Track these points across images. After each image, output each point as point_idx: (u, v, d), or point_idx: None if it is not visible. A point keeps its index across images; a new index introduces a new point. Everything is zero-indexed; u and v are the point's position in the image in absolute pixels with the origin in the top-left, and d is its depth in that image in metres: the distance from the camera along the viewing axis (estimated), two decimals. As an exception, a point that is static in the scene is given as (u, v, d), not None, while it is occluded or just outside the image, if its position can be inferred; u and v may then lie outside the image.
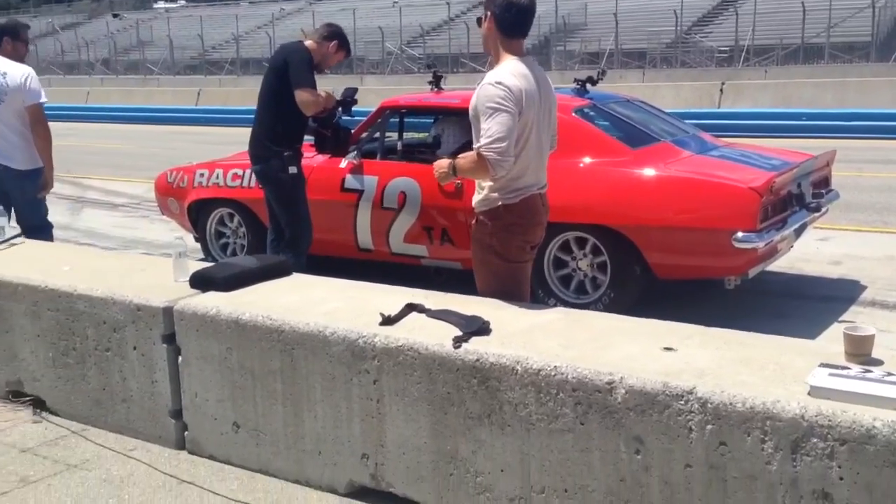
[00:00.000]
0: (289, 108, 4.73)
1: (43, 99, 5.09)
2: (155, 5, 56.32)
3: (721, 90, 16.90)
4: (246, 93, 25.43)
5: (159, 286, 3.42)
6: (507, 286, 3.32)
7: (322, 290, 3.37)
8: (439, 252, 5.30)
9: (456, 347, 2.70)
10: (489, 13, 3.28)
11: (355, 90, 5.20)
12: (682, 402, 2.32)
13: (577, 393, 2.48)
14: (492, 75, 3.21)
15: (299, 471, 3.04)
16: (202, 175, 6.12)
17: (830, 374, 2.25)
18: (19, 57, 5.16)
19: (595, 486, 2.49)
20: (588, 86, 5.62)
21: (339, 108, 5.08)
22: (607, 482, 2.46)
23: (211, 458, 3.22)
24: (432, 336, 2.78)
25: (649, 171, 4.88)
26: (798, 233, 5.11)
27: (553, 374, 2.52)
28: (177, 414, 3.29)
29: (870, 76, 18.49)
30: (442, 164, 3.35)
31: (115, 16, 48.84)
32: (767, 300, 5.27)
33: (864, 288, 5.48)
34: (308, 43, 4.90)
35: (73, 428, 3.47)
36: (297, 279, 3.55)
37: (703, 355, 2.54)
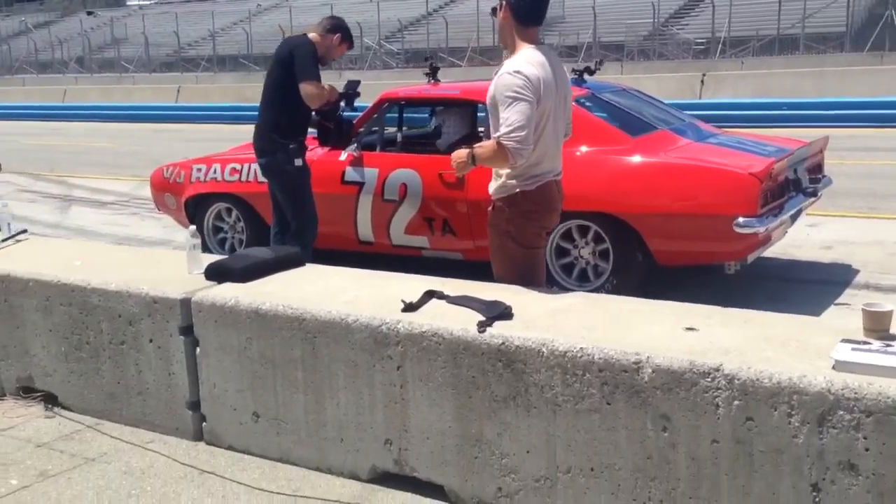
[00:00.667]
0: (293, 100, 4.76)
1: None
2: (129, 2, 55.76)
3: (702, 81, 17.07)
4: (226, 89, 25.31)
5: (174, 279, 3.42)
6: (523, 271, 3.36)
7: (340, 280, 3.39)
8: (440, 243, 5.32)
9: (481, 332, 2.73)
10: (503, 3, 3.30)
11: (358, 83, 5.21)
12: (709, 380, 2.36)
13: (603, 373, 2.52)
14: (509, 64, 3.24)
15: (321, 458, 3.06)
16: (199, 170, 6.10)
17: (853, 349, 2.31)
18: None
19: (622, 465, 2.53)
20: (585, 76, 5.66)
21: (342, 101, 5.11)
22: (634, 460, 2.51)
23: (230, 448, 3.23)
24: (455, 321, 2.81)
25: (650, 159, 4.94)
26: (794, 218, 5.18)
27: (579, 355, 2.55)
28: (195, 405, 3.30)
29: (845, 66, 18.73)
30: (461, 154, 3.37)
31: (88, 13, 48.33)
32: (764, 285, 5.35)
33: (856, 272, 5.58)
34: (312, 36, 4.93)
35: (87, 422, 3.47)
36: (313, 269, 3.56)
37: (725, 334, 2.59)
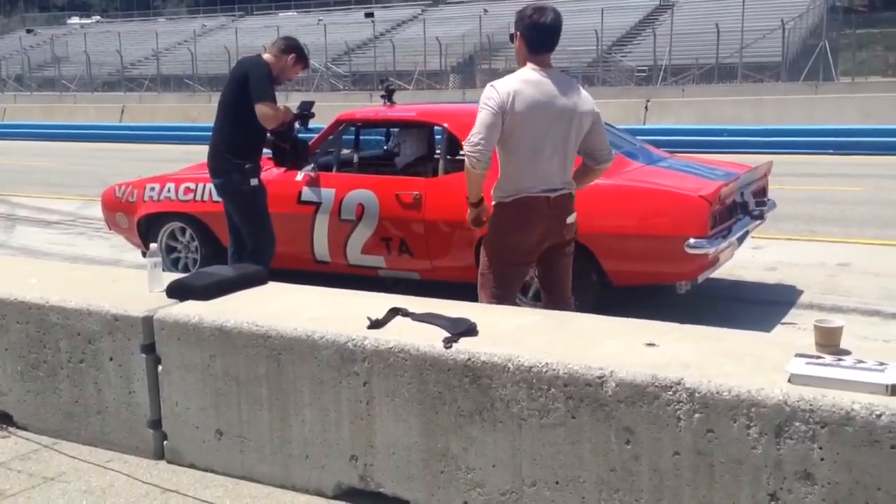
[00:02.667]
0: (248, 121, 4.75)
1: None
2: (69, 21, 54.89)
3: (646, 107, 17.48)
4: (171, 109, 25.02)
5: (135, 297, 3.40)
6: (497, 281, 3.59)
7: (303, 297, 3.41)
8: (397, 263, 5.37)
9: (447, 347, 2.77)
10: (519, 32, 3.57)
11: (312, 103, 5.21)
12: (671, 393, 2.44)
13: (568, 388, 2.58)
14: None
15: (285, 475, 3.06)
16: (153, 189, 6.07)
17: (807, 363, 2.41)
18: None
19: (586, 477, 2.59)
20: None
21: (297, 122, 5.10)
22: (598, 472, 2.57)
23: (192, 466, 3.21)
24: (422, 338, 2.85)
25: (603, 182, 5.01)
26: (741, 240, 5.34)
27: (545, 370, 2.62)
28: (156, 424, 3.27)
29: (782, 94, 19.38)
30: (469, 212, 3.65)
31: (28, 31, 47.39)
32: (713, 304, 5.51)
33: (800, 292, 5.78)
34: (266, 56, 4.93)
35: (44, 442, 3.40)
36: (276, 287, 3.57)
37: (684, 349, 2.67)
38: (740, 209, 5.19)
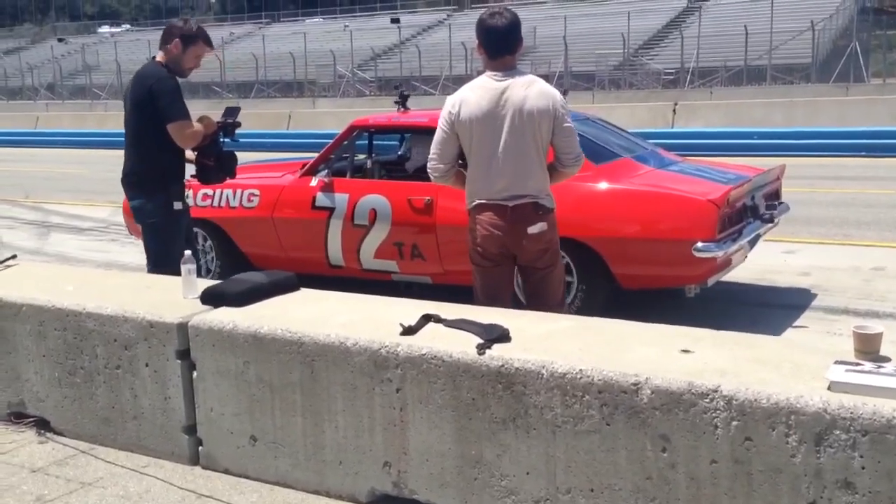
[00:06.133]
0: (163, 141, 4.32)
1: None
2: (99, 30, 55.64)
3: (674, 111, 17.36)
4: (198, 116, 25.25)
5: (170, 303, 3.43)
6: (478, 283, 3.72)
7: (335, 304, 3.42)
8: (409, 267, 5.41)
9: (480, 354, 2.77)
10: (477, 39, 3.61)
11: (237, 110, 4.75)
12: (708, 400, 2.42)
13: (602, 395, 2.57)
14: None
15: (319, 481, 3.07)
16: None
17: (847, 370, 2.38)
18: None
19: (621, 485, 2.57)
20: None
21: (221, 133, 4.60)
22: (634, 480, 2.55)
23: (227, 472, 3.23)
24: (455, 344, 2.84)
25: (613, 186, 5.04)
26: (752, 243, 5.32)
27: (579, 376, 2.60)
28: (191, 429, 3.29)
29: (812, 96, 19.18)
30: None
31: (59, 40, 48.10)
32: (746, 310, 5.45)
33: (834, 297, 5.70)
34: (159, 57, 4.45)
35: (81, 447, 3.44)
36: (308, 293, 3.59)
37: (719, 356, 2.65)
38: (750, 212, 5.19)
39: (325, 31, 40.84)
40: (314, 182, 5.62)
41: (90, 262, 7.48)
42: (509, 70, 3.55)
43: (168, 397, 3.31)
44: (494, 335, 2.86)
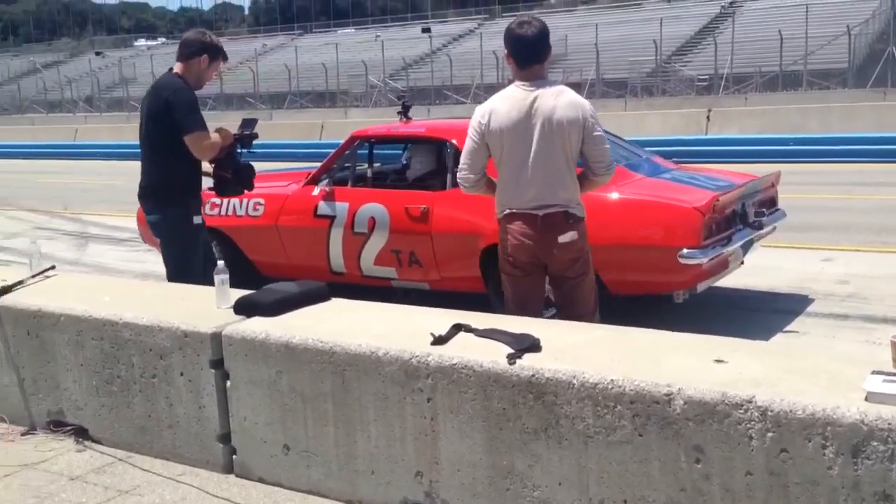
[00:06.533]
0: (180, 154, 4.31)
1: None
2: (135, 43, 56.57)
3: (708, 117, 17.21)
4: (234, 127, 25.55)
5: (203, 313, 3.47)
6: (508, 293, 3.74)
7: (367, 314, 3.44)
8: (408, 274, 5.51)
9: (511, 364, 2.76)
10: (506, 49, 3.61)
11: (254, 122, 4.71)
12: (742, 411, 2.39)
13: (634, 405, 2.55)
14: None
15: (352, 491, 3.08)
16: None
17: (885, 381, 2.34)
18: None
19: (655, 497, 2.55)
20: None
21: (238, 145, 4.57)
22: (667, 492, 2.53)
23: (260, 480, 3.25)
24: (485, 354, 2.84)
25: (601, 194, 4.95)
26: (745, 249, 5.32)
27: (610, 387, 2.59)
28: (225, 438, 3.33)
29: (848, 101, 18.91)
30: None
31: (97, 53, 48.96)
32: (782, 318, 5.38)
33: (872, 306, 5.61)
34: (177, 69, 4.43)
35: (119, 455, 3.49)
36: (339, 303, 3.61)
37: (754, 366, 2.62)
38: (740, 219, 5.21)
39: (357, 42, 41.12)
40: (316, 191, 5.77)
41: (128, 273, 7.60)
42: (538, 79, 3.56)
43: (202, 406, 3.35)
44: (525, 345, 2.85)
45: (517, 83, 3.58)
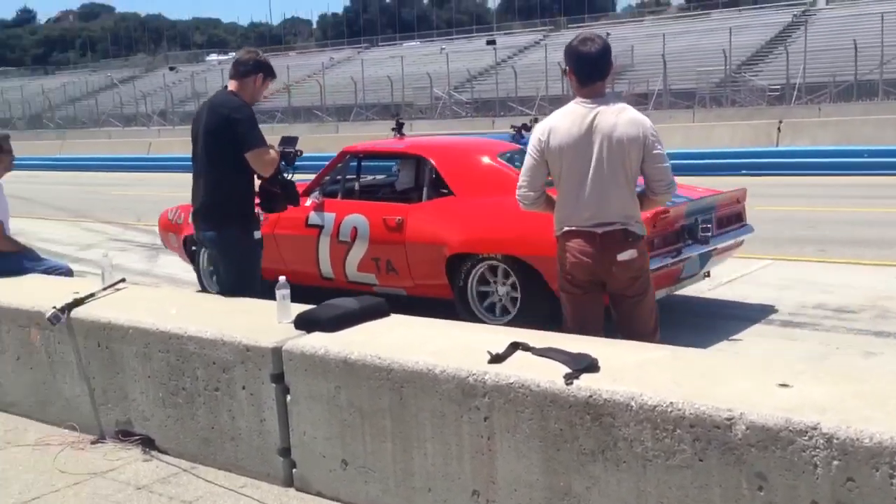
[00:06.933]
0: (240, 169, 4.37)
1: None
2: (207, 58, 58.03)
3: (779, 128, 16.82)
4: (301, 140, 25.98)
5: (265, 327, 3.54)
6: (567, 311, 3.73)
7: (424, 329, 3.45)
8: (386, 280, 5.89)
9: (568, 384, 2.74)
10: (567, 67, 3.62)
11: (296, 139, 4.78)
12: (807, 438, 2.32)
13: (695, 429, 2.50)
14: None
15: (409, 508, 3.09)
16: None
17: (958, 409, 2.25)
18: (5, 168, 5.31)
19: (715, 523, 2.49)
20: (524, 132, 6.48)
21: (282, 161, 4.60)
22: (728, 518, 2.47)
23: (319, 495, 3.29)
24: (542, 373, 2.83)
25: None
26: (703, 262, 5.58)
27: (669, 409, 2.55)
28: (285, 452, 3.37)
29: (928, 112, 18.27)
30: None
31: (171, 69, 50.36)
32: (850, 339, 5.21)
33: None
34: (232, 87, 4.49)
35: (183, 466, 3.57)
36: (398, 319, 3.63)
37: (819, 391, 2.54)
38: (689, 234, 5.38)
39: (423, 55, 41.46)
40: (308, 202, 6.14)
41: (196, 284, 7.77)
42: (599, 96, 3.54)
43: (263, 419, 3.40)
44: (582, 365, 2.83)
45: (578, 100, 3.57)
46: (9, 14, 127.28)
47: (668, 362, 2.94)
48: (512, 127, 6.43)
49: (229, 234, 4.45)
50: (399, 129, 6.75)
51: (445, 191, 5.81)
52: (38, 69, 69.89)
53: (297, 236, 6.21)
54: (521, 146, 6.16)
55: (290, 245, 6.14)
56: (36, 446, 3.87)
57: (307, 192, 6.22)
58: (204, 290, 6.73)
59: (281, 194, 4.64)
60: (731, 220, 5.87)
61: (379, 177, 7.26)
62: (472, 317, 5.40)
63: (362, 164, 6.77)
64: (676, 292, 5.73)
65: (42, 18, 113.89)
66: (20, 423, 4.20)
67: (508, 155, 6.03)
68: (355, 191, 6.41)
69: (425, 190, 5.89)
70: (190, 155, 4.65)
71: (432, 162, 5.93)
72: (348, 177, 6.55)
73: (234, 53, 60.41)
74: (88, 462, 3.67)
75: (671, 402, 2.55)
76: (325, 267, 6.15)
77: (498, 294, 5.51)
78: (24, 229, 8.70)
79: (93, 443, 3.86)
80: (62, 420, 4.07)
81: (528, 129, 6.55)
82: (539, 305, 5.18)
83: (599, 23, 47.21)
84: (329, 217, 6.10)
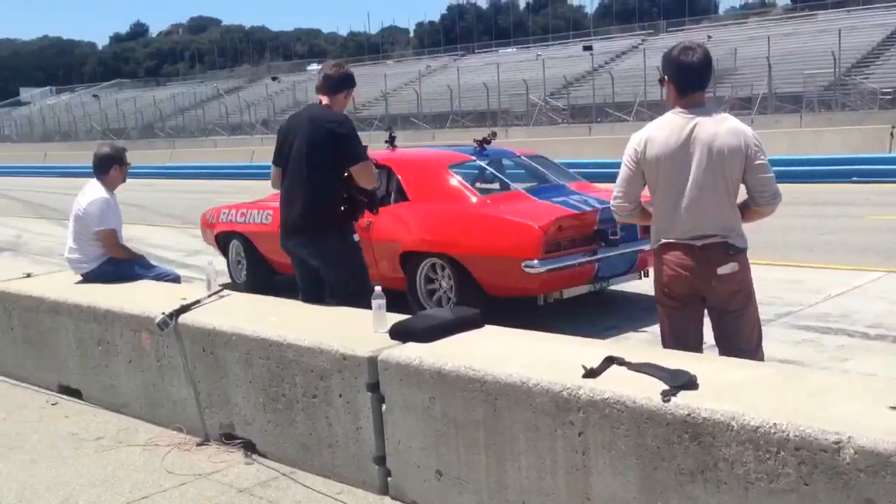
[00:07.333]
0: (338, 179, 4.55)
1: (103, 227, 5.40)
2: (308, 68, 59.44)
3: (892, 134, 16.06)
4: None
5: (361, 337, 3.60)
6: (665, 326, 3.65)
7: (518, 341, 3.45)
8: None
9: (665, 401, 2.69)
10: (666, 77, 3.53)
11: (365, 147, 4.83)
12: (920, 465, 2.22)
13: (800, 452, 2.41)
14: None
15: (502, 521, 3.09)
16: (225, 213, 8.10)
17: None
18: (121, 179, 5.63)
19: (821, 550, 2.40)
20: (485, 144, 7.05)
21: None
22: (835, 546, 2.37)
23: (414, 504, 3.32)
24: (638, 389, 2.78)
25: (477, 213, 6.28)
26: (629, 263, 6.30)
27: (773, 431, 2.46)
28: (380, 460, 3.42)
29: None
30: None
31: (273, 79, 51.83)
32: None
33: None
34: (326, 101, 4.64)
35: (283, 470, 3.67)
36: (491, 330, 3.64)
37: (934, 415, 2.42)
38: (599, 237, 6.11)
39: (518, 62, 41.37)
40: None
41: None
42: (699, 106, 3.46)
43: (359, 427, 3.46)
44: (680, 382, 2.77)
45: (676, 110, 3.49)
46: (123, 28, 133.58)
47: (771, 381, 2.85)
48: (474, 140, 7.07)
49: (334, 242, 4.60)
50: (391, 142, 7.17)
51: (404, 198, 6.68)
52: (150, 81, 73.16)
53: None
54: (472, 157, 6.98)
55: None
56: (146, 447, 4.05)
57: None
58: (233, 280, 7.91)
59: (366, 202, 4.77)
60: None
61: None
62: (419, 307, 6.24)
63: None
64: (769, 307, 5.61)
65: (154, 32, 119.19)
66: (132, 423, 4.40)
67: (461, 166, 6.87)
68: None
69: (392, 196, 6.72)
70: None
71: (394, 171, 6.74)
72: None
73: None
74: (194, 464, 3.81)
75: (774, 424, 2.47)
76: None
77: (442, 288, 6.37)
78: (134, 236, 9.12)
79: (198, 445, 4.01)
80: (170, 421, 4.24)
81: (489, 142, 7.03)
82: (472, 299, 5.80)
83: (700, 25, 46.20)
84: None
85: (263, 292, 5.92)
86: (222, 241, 8.13)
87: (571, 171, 7.66)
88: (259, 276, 7.66)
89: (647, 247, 5.93)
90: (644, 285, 6.85)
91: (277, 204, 6.82)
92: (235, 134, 41.69)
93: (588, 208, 6.17)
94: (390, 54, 70.65)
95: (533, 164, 7.33)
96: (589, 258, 6.05)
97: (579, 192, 6.67)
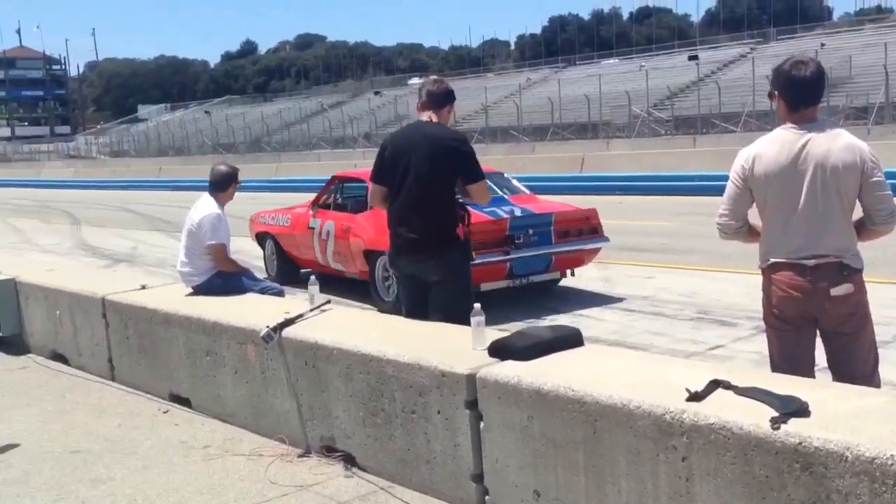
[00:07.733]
0: (452, 195, 4.61)
1: (214, 241, 5.61)
2: (409, 82, 60.30)
3: None
4: (499, 160, 26.32)
5: (459, 353, 3.61)
6: (775, 347, 3.52)
7: (619, 361, 3.39)
8: (347, 267, 8.40)
9: (774, 429, 2.58)
10: (776, 92, 3.43)
11: None
12: None
13: (920, 486, 2.28)
14: None
15: (601, 545, 3.03)
16: (263, 216, 10.14)
17: None
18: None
19: (944, 592, 2.26)
20: None
21: None
22: (960, 589, 2.23)
23: (511, 523, 3.29)
24: (745, 415, 2.68)
25: None
26: (543, 264, 7.65)
27: (889, 463, 2.34)
28: (478, 478, 3.41)
29: None
30: None
31: (375, 93, 52.82)
32: None
33: None
34: (435, 118, 4.67)
35: (381, 485, 3.71)
36: (592, 349, 3.60)
37: None
38: (512, 241, 7.37)
39: (621, 73, 40.83)
40: (311, 212, 9.05)
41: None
42: (810, 122, 3.33)
43: (457, 444, 3.46)
44: (791, 408, 2.66)
45: (786, 125, 3.37)
46: (234, 46, 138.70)
47: (888, 409, 2.71)
48: None
49: (454, 258, 4.59)
50: None
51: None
52: (258, 97, 75.68)
53: (303, 234, 9.02)
54: None
55: (301, 241, 9.06)
56: (250, 456, 4.16)
57: (312, 204, 9.15)
58: (268, 273, 9.56)
59: (466, 217, 4.75)
60: (579, 232, 7.84)
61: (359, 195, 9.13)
62: (378, 296, 7.71)
63: (345, 185, 9.20)
64: None
65: (262, 49, 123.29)
66: (237, 433, 4.54)
67: None
68: (335, 204, 8.99)
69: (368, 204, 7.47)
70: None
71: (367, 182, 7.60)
72: (334, 195, 9.12)
73: (434, 77, 62.43)
74: (296, 475, 3.89)
75: (892, 455, 2.34)
76: (319, 257, 8.76)
77: (393, 280, 7.23)
78: (241, 248, 9.43)
79: (300, 456, 4.09)
80: (273, 432, 4.35)
81: None
82: None
83: (813, 33, 44.53)
84: (316, 222, 8.83)
85: (290, 283, 8.38)
86: (261, 240, 10.11)
87: (526, 185, 9.09)
88: (286, 269, 9.53)
89: (559, 249, 7.71)
90: (747, 302, 6.65)
91: (297, 210, 9.42)
92: (338, 147, 42.65)
93: (504, 216, 7.40)
94: (491, 67, 70.89)
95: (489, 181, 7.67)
96: (500, 258, 7.30)
97: (511, 203, 7.93)
